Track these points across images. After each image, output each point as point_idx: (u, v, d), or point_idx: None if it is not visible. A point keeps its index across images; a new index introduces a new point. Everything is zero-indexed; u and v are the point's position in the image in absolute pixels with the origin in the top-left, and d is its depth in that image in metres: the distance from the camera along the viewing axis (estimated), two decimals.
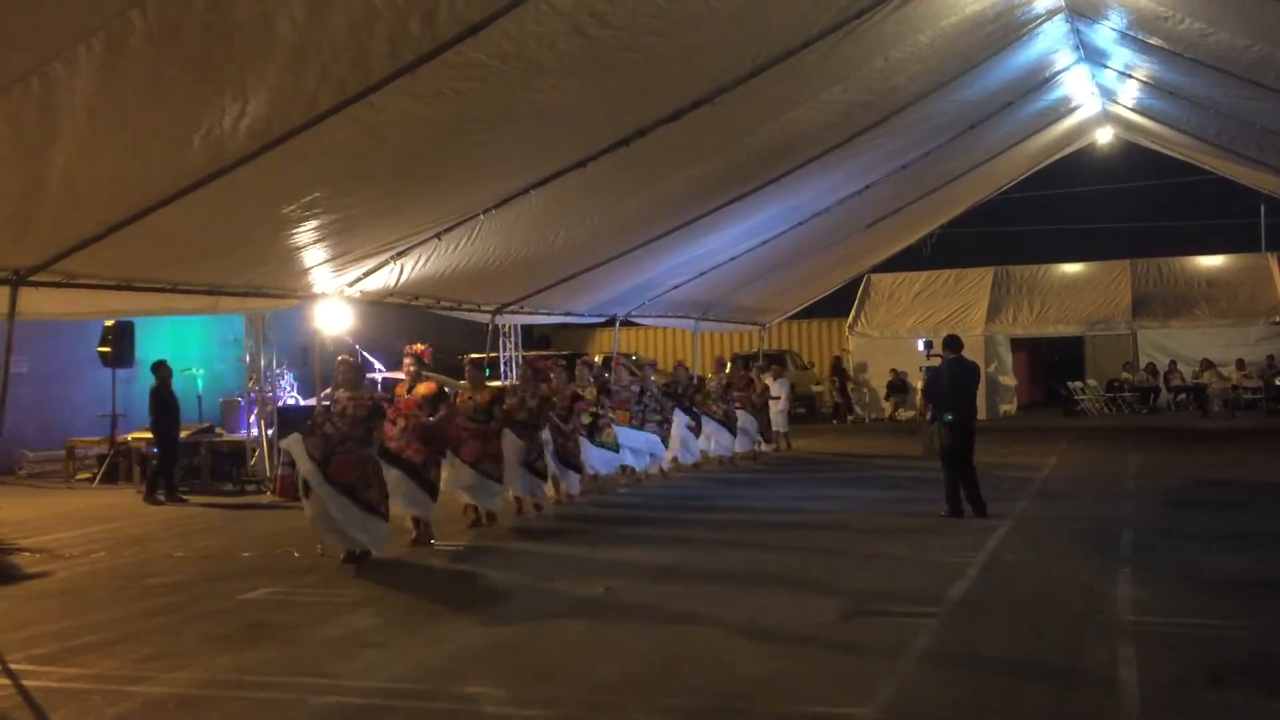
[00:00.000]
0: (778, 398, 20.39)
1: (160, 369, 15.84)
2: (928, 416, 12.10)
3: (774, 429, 20.07)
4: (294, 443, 9.66)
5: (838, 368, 29.92)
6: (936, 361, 12.22)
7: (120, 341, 17.66)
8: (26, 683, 6.70)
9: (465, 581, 9.37)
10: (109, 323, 17.40)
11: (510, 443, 12.07)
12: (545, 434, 12.61)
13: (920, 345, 20.54)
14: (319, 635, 7.66)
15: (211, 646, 7.42)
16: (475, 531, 11.68)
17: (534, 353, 19.60)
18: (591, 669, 6.66)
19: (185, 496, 15.37)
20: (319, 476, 9.46)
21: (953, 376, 11.90)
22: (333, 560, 9.98)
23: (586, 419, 13.78)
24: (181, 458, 16.60)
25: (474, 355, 17.16)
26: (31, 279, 8.40)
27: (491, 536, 11.59)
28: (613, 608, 8.20)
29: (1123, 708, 5.63)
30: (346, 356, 10.55)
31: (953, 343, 12.28)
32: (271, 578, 9.57)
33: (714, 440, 17.49)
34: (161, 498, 15.38)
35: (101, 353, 18.00)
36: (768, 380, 20.51)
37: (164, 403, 15.56)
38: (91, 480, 17.71)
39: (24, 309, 8.48)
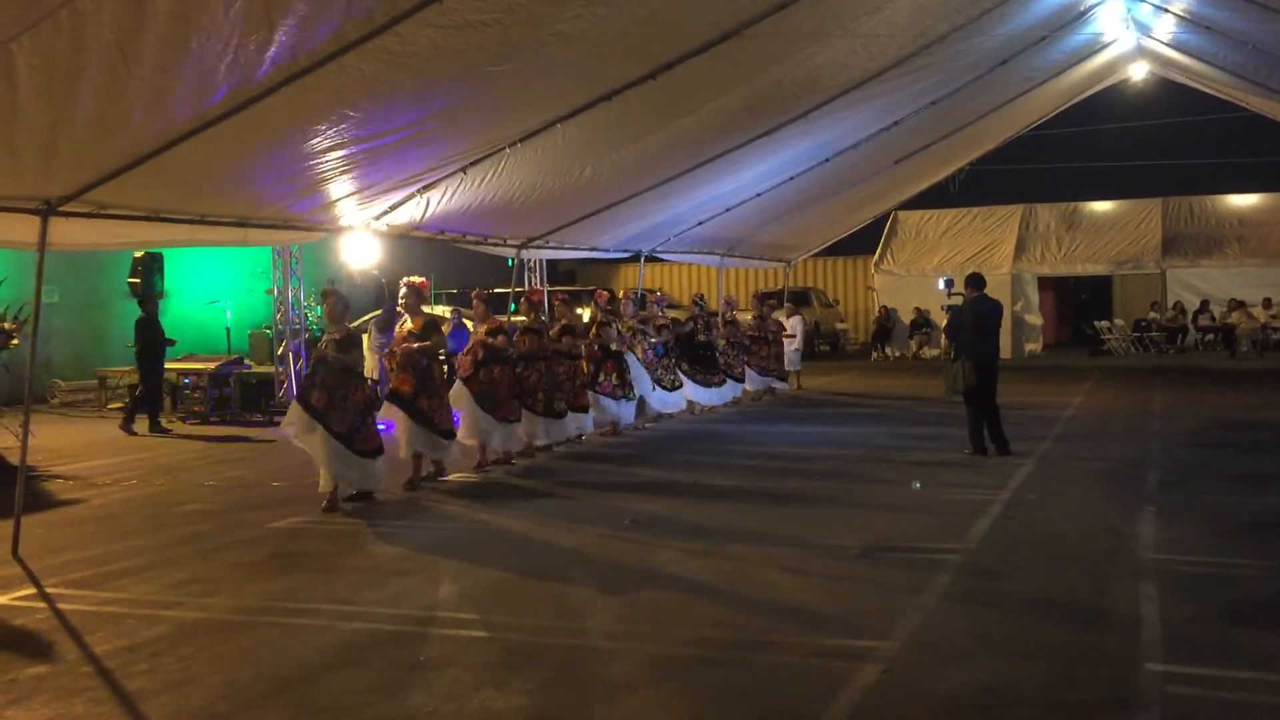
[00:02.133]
0: (792, 336, 20.21)
1: (148, 302, 16.03)
2: (950, 355, 12.09)
3: (788, 368, 19.89)
4: (297, 417, 9.66)
5: (882, 324, 29.61)
6: (958, 300, 12.17)
7: (149, 273, 17.78)
8: (62, 606, 6.86)
9: (490, 516, 9.48)
10: (138, 254, 17.51)
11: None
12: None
13: (941, 284, 20.38)
14: (347, 564, 7.79)
15: (242, 573, 7.56)
16: (493, 468, 11.77)
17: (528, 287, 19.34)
18: (616, 602, 6.75)
19: (138, 432, 15.50)
20: (325, 434, 9.52)
21: (975, 315, 11.82)
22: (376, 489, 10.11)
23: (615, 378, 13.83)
24: (211, 389, 16.81)
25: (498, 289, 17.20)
26: (62, 209, 8.43)
27: (510, 473, 11.69)
28: (635, 543, 8.28)
29: (1144, 645, 5.67)
30: (330, 288, 10.42)
31: (975, 281, 12.19)
32: (300, 507, 9.71)
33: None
34: (167, 427, 15.57)
35: (131, 284, 18.12)
36: (782, 318, 20.37)
37: (147, 335, 15.71)
38: (123, 409, 17.91)
39: (55, 239, 8.52)
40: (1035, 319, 30.00)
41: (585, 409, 13.21)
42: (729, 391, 17.31)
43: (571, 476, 11.23)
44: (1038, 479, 10.53)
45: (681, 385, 15.73)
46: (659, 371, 15.10)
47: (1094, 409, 16.61)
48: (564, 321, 13.33)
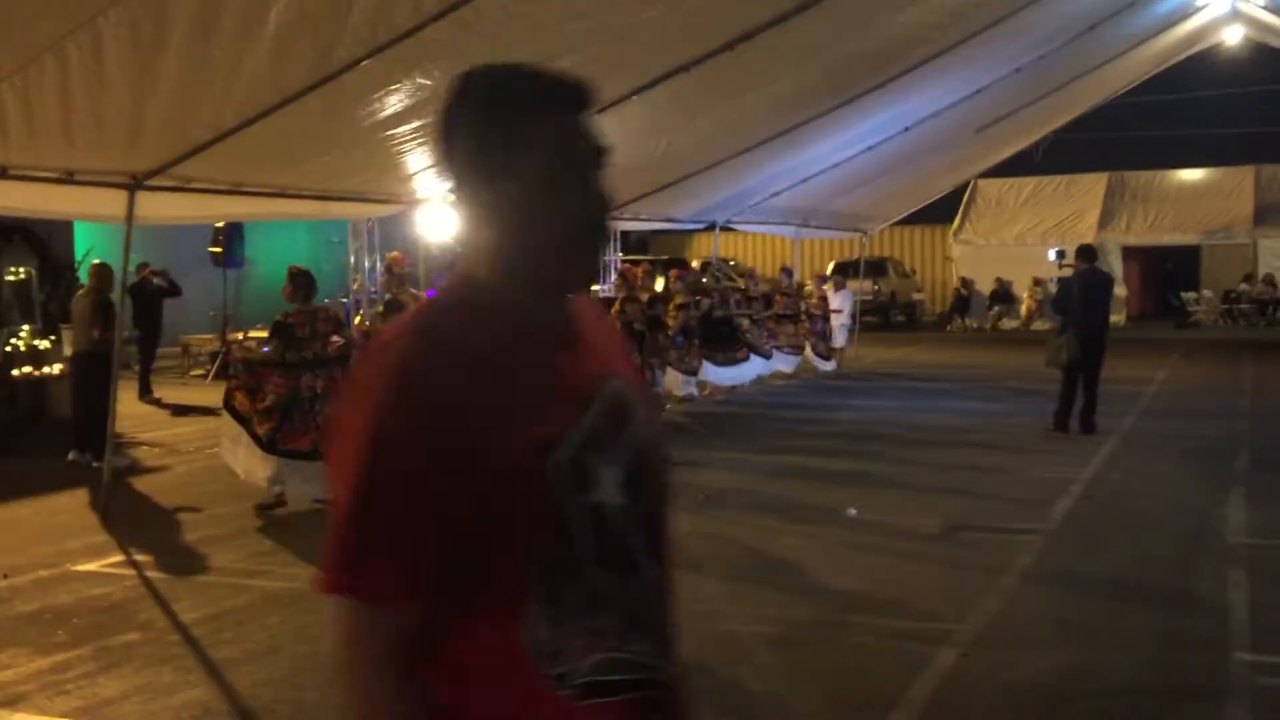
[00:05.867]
0: (839, 310, 19.19)
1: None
2: (1058, 328, 11.89)
3: (834, 344, 18.78)
4: None
5: (960, 294, 29.25)
6: (1069, 272, 11.98)
7: (230, 242, 18.08)
8: (149, 574, 7.02)
9: None
10: (219, 224, 17.79)
11: None
12: None
13: (1052, 255, 19.91)
14: None
15: (323, 543, 7.66)
16: None
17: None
18: (693, 581, 6.73)
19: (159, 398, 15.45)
20: None
21: (1084, 288, 11.58)
22: None
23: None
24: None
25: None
26: (148, 183, 8.57)
27: None
28: (710, 520, 8.25)
29: (1232, 632, 5.54)
30: (294, 265, 9.30)
31: (1086, 253, 12.03)
32: None
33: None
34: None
35: (212, 253, 18.45)
36: (828, 291, 19.39)
37: (139, 303, 15.32)
38: (205, 376, 18.26)
39: (141, 213, 8.66)
40: (1120, 290, 29.35)
41: None
42: (752, 369, 15.88)
43: None
44: (1121, 457, 10.32)
45: (697, 371, 14.33)
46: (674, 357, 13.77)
47: (1180, 383, 16.23)
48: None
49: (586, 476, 1.51)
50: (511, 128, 1.53)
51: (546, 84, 1.57)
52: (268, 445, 8.33)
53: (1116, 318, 28.43)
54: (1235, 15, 18.62)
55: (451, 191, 1.60)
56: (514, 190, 1.52)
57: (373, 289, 17.50)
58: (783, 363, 17.16)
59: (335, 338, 8.83)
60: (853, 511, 8.23)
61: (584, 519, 1.50)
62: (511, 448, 1.45)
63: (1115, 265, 28.82)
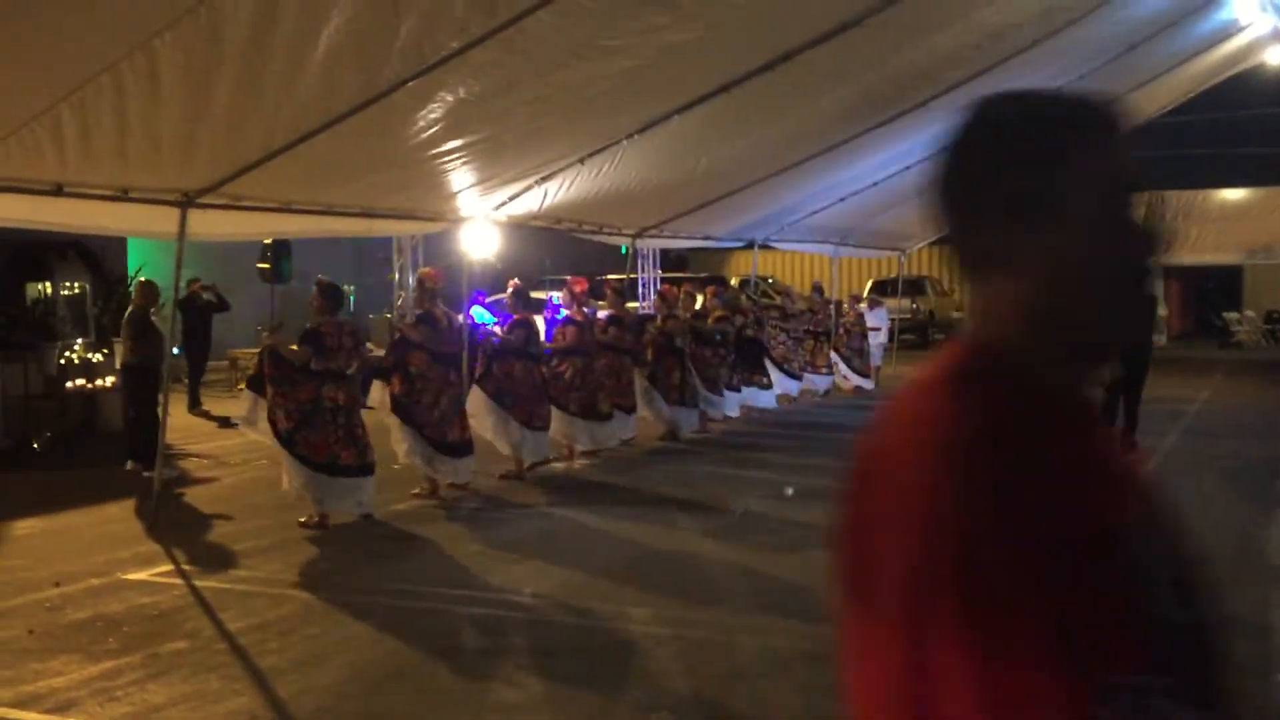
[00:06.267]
0: (877, 329, 18.92)
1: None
2: None
3: (871, 364, 18.54)
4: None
5: None
6: None
7: (278, 258, 18.31)
8: (197, 583, 7.17)
9: (607, 503, 9.59)
10: (268, 240, 18.04)
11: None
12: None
13: None
14: (466, 548, 7.97)
15: (365, 555, 7.80)
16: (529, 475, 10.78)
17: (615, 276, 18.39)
18: (726, 595, 6.79)
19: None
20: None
21: None
22: (478, 476, 10.24)
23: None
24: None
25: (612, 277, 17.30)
26: (199, 201, 8.77)
27: (617, 463, 11.79)
28: (748, 532, 8.32)
29: (1273, 654, 5.52)
30: (322, 277, 9.30)
31: None
32: (421, 489, 9.92)
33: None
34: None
35: (261, 269, 18.69)
36: (862, 310, 19.13)
37: (188, 319, 15.39)
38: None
39: (192, 230, 8.86)
40: (1161, 309, 29.16)
41: (632, 409, 12.19)
42: (770, 396, 15.51)
43: (676, 462, 11.28)
44: (1163, 477, 10.23)
45: (739, 389, 14.41)
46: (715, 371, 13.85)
47: (1222, 403, 16.10)
48: (612, 311, 12.37)
49: (1149, 580, 1.25)
50: (1060, 163, 1.29)
51: (1084, 108, 1.34)
52: (285, 441, 8.50)
53: (1159, 337, 28.41)
54: (1278, 35, 18.51)
55: (963, 242, 1.34)
56: (1057, 238, 1.28)
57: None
58: (811, 383, 17.17)
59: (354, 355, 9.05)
60: (789, 491, 8.83)
61: (1154, 633, 1.21)
62: (1083, 547, 1.18)
63: (1156, 285, 28.60)
